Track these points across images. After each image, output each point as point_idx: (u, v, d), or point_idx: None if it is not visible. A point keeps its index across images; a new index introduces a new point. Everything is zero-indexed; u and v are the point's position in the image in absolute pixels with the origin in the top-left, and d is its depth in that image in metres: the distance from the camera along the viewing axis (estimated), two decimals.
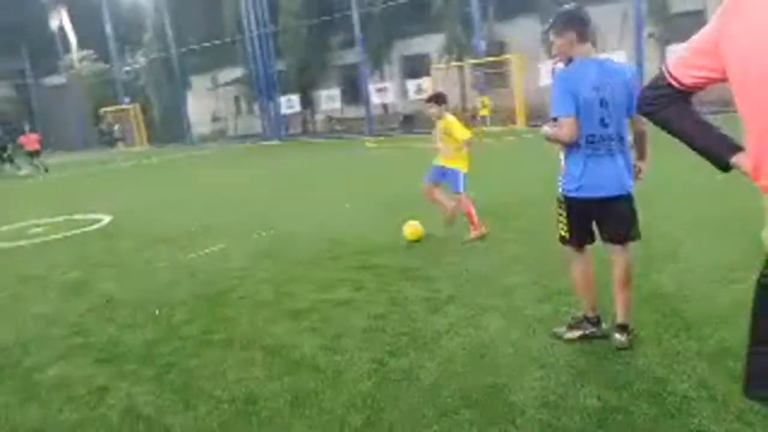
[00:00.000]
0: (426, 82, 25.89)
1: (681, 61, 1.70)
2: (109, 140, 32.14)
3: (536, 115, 21.26)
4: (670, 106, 1.73)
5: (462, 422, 2.96)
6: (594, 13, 3.73)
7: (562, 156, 3.55)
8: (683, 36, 2.22)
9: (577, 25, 3.34)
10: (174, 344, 4.38)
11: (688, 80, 1.68)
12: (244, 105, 37.74)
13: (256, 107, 34.90)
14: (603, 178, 3.40)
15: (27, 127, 25.17)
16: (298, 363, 3.84)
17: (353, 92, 30.01)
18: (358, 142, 24.32)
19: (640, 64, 20.29)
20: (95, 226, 9.91)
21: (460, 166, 6.46)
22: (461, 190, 6.47)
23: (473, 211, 6.50)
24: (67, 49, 41.77)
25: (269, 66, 31.67)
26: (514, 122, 22.81)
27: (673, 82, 1.71)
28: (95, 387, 3.79)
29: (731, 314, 3.77)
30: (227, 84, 37.08)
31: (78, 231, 9.64)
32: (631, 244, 3.58)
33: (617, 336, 3.57)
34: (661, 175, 7.82)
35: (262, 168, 18.06)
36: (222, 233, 8.22)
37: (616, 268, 3.58)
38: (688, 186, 8.02)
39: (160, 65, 36.52)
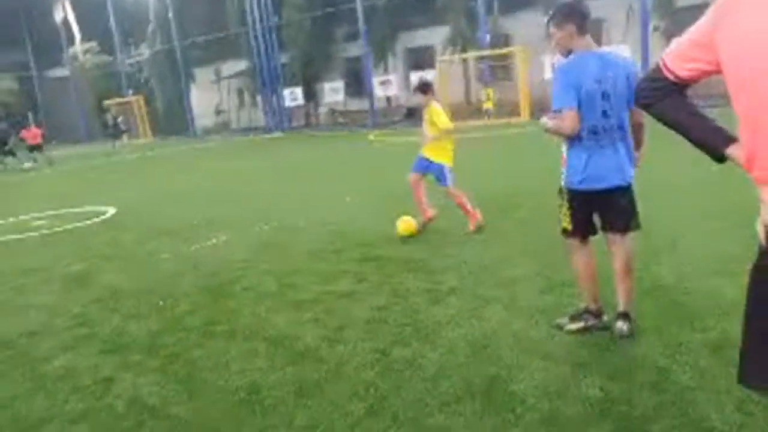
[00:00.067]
0: (430, 75, 25.84)
1: (677, 53, 1.71)
2: (113, 133, 32.14)
3: (540, 108, 21.21)
4: (666, 99, 1.74)
5: (464, 411, 2.98)
6: (599, 6, 3.74)
7: (563, 148, 3.55)
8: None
9: (577, 18, 3.35)
10: (178, 335, 4.41)
11: (683, 73, 1.69)
12: (247, 97, 37.70)
13: (259, 100, 34.91)
14: (605, 169, 3.41)
15: (31, 120, 25.16)
16: (301, 353, 3.87)
17: (357, 85, 29.99)
18: (362, 134, 24.30)
19: (645, 58, 20.22)
20: (99, 219, 9.95)
21: (445, 160, 6.48)
22: (449, 184, 6.51)
23: (465, 200, 6.53)
24: (70, 41, 41.82)
25: (273, 58, 31.66)
26: (518, 115, 22.77)
27: (669, 75, 1.72)
28: (100, 377, 3.82)
29: (732, 306, 3.77)
30: (231, 76, 37.06)
31: (81, 223, 9.68)
32: (631, 234, 3.59)
33: (619, 324, 3.58)
34: (661, 168, 7.83)
35: (265, 161, 18.08)
36: (225, 225, 8.25)
37: (617, 258, 3.59)
38: (687, 178, 8.01)
39: (163, 57, 36.56)
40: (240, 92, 38.09)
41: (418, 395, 3.18)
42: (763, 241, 1.60)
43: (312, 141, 24.45)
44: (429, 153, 6.56)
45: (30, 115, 31.93)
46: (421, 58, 29.47)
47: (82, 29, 41.00)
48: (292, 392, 3.36)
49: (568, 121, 3.34)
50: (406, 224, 6.55)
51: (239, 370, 3.71)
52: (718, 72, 1.62)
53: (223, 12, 33.15)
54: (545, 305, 4.22)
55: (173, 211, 10.11)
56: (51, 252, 7.75)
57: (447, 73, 25.47)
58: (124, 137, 33.65)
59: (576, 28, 3.34)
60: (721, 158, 1.72)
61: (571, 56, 3.41)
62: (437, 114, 6.38)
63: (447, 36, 28.27)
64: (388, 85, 28.34)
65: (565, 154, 3.54)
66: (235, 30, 32.67)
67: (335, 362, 3.68)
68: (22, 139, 23.69)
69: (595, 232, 3.66)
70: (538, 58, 22.27)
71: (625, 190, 3.50)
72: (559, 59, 3.67)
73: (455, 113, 24.22)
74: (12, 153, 23.20)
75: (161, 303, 5.18)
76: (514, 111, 23.16)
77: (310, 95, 32.52)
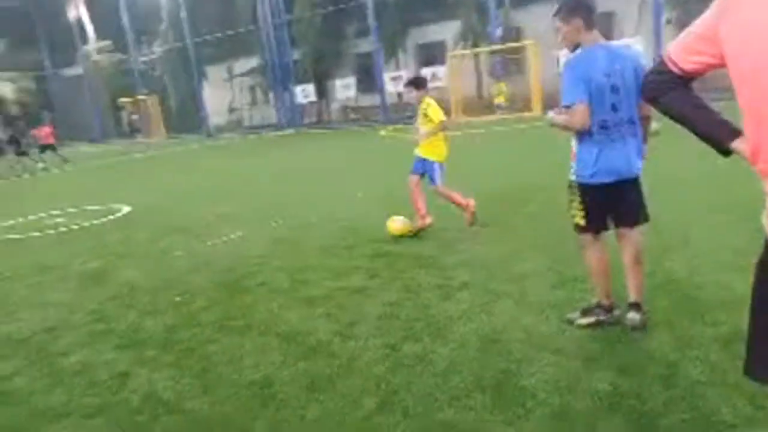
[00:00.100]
0: (441, 70, 25.80)
1: (681, 46, 1.72)
2: (129, 131, 32.42)
3: (551, 103, 21.09)
4: (672, 92, 1.75)
5: (474, 406, 3.00)
6: None
7: (573, 142, 3.55)
8: None
9: (584, 12, 3.32)
10: (193, 330, 4.47)
11: (688, 66, 1.70)
12: (259, 95, 37.88)
13: (271, 97, 35.02)
14: (616, 163, 3.40)
15: (46, 118, 25.29)
16: (313, 348, 3.91)
17: (368, 81, 29.98)
18: (373, 130, 24.31)
19: (658, 51, 20.04)
20: (114, 216, 10.07)
21: (436, 156, 6.41)
22: (438, 183, 6.45)
23: (454, 195, 6.51)
24: (84, 40, 42.15)
25: (284, 56, 31.75)
26: (530, 110, 22.66)
27: (674, 68, 1.73)
28: (117, 372, 3.89)
29: (743, 300, 3.73)
30: (243, 74, 37.23)
31: (97, 221, 9.80)
32: (640, 227, 3.60)
33: (631, 315, 3.58)
34: (668, 162, 7.78)
35: (278, 158, 18.15)
36: (239, 222, 8.32)
37: (626, 252, 3.59)
38: (693, 172, 7.95)
39: (176, 55, 36.79)
40: (252, 90, 38.28)
41: (428, 390, 3.21)
42: None
43: (324, 138, 24.50)
44: (421, 150, 6.50)
45: (46, 114, 32.14)
46: (432, 54, 29.43)
47: (95, 28, 41.35)
48: (304, 387, 3.40)
49: (579, 115, 3.32)
50: (397, 224, 6.45)
51: (253, 365, 3.76)
52: (723, 65, 1.63)
53: (234, 10, 33.30)
54: (556, 300, 4.23)
55: (187, 208, 10.20)
56: (67, 249, 7.87)
57: (458, 69, 25.41)
58: (138, 135, 33.89)
59: (583, 22, 3.32)
60: (726, 152, 1.72)
61: (579, 50, 3.40)
62: (432, 108, 6.30)
63: (458, 31, 28.19)
64: (400, 81, 28.29)
65: (574, 149, 3.54)
66: (247, 27, 32.79)
67: (347, 357, 3.71)
68: (33, 138, 23.75)
69: (607, 228, 3.66)
70: (550, 52, 22.15)
71: (634, 182, 3.51)
72: (567, 54, 3.66)
73: (467, 108, 24.30)
74: (24, 153, 23.32)
75: (178, 298, 5.25)
76: (526, 106, 23.06)
77: (322, 92, 32.59)
